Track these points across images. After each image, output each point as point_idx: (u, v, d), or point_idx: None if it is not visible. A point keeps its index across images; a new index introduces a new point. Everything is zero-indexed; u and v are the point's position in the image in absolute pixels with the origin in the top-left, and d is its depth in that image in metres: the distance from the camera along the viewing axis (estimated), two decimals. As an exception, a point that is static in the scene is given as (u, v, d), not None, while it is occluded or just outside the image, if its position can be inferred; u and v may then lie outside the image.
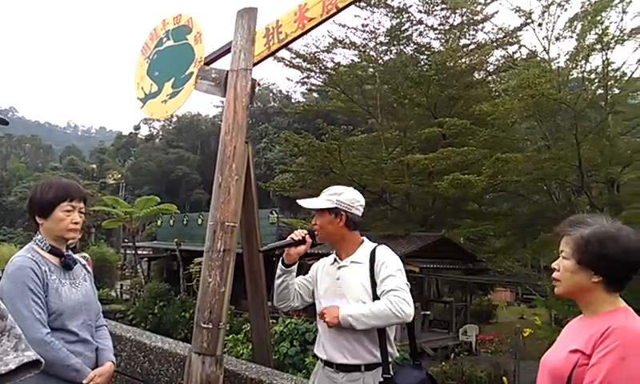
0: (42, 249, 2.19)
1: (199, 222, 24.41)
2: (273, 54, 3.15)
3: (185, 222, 26.11)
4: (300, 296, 2.62)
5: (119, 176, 62.36)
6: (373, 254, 2.44)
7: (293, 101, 43.18)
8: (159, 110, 3.57)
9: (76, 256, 2.34)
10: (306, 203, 2.57)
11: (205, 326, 3.25)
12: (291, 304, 2.62)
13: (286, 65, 21.14)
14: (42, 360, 1.11)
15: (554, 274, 1.69)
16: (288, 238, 2.50)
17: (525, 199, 18.99)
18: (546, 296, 12.42)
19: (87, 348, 2.22)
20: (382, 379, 2.30)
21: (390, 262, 2.39)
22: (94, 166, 75.01)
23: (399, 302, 2.22)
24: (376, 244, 2.53)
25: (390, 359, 2.38)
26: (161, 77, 3.54)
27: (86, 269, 2.38)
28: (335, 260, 2.55)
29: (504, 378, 12.13)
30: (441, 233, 18.88)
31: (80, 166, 73.36)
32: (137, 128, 76.96)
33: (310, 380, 2.60)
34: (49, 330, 2.06)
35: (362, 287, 2.38)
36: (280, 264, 2.55)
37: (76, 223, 2.23)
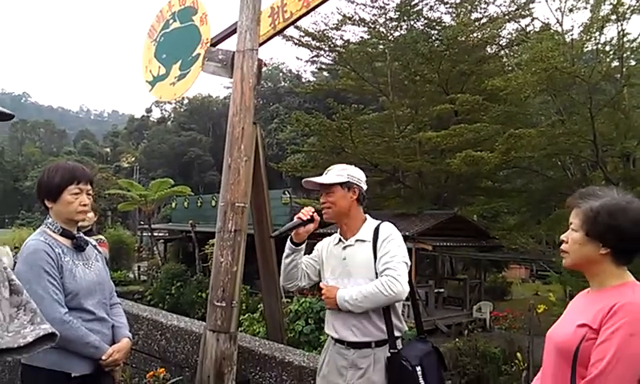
0: (54, 231, 2.24)
1: (212, 203, 24.55)
2: (278, 33, 3.15)
3: (199, 204, 26.30)
4: (307, 275, 2.62)
5: (133, 159, 62.81)
6: (376, 231, 2.46)
7: (303, 80, 42.96)
8: (168, 93, 3.60)
9: (89, 238, 2.40)
10: (319, 179, 2.55)
11: (218, 304, 3.31)
12: (298, 283, 2.62)
13: (295, 43, 20.98)
14: (57, 333, 1.15)
15: (563, 246, 1.69)
16: (295, 218, 2.50)
17: (539, 175, 18.80)
18: (560, 272, 12.37)
19: (104, 325, 2.29)
20: (389, 354, 2.34)
21: (391, 238, 2.42)
22: (108, 149, 75.63)
23: (389, 282, 2.26)
24: (379, 221, 2.55)
25: (399, 333, 2.41)
26: (168, 59, 3.56)
27: (97, 249, 2.43)
28: (340, 240, 2.55)
29: (518, 354, 12.13)
30: (454, 210, 18.82)
31: (94, 150, 74.07)
32: (149, 111, 77.23)
33: (322, 356, 2.63)
34: (67, 310, 2.13)
35: (367, 265, 2.40)
36: (289, 243, 2.55)
37: (84, 205, 2.27)
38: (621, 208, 1.56)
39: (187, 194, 29.34)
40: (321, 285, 2.52)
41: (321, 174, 2.59)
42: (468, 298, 19.55)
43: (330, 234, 2.68)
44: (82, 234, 2.34)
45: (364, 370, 2.35)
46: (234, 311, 3.39)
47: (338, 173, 2.54)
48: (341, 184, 2.50)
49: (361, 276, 2.40)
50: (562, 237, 1.70)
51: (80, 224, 2.40)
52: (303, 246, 2.56)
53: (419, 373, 2.28)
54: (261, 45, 3.18)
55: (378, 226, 2.50)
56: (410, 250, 18.40)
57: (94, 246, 2.42)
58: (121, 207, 31.76)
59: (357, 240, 2.49)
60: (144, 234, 36.84)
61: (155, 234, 30.64)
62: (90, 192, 2.32)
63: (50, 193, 2.23)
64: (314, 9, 3.01)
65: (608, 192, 1.64)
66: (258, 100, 3.15)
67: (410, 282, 2.39)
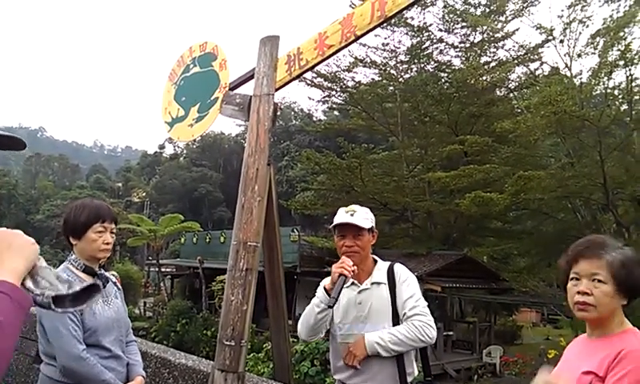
0: (77, 268, 2.30)
1: (222, 239, 24.59)
2: (294, 79, 3.26)
3: (207, 240, 26.35)
4: (325, 326, 2.46)
5: (144, 194, 63.36)
6: (391, 272, 2.44)
7: (314, 119, 43.41)
8: (185, 134, 3.71)
9: (107, 274, 2.46)
10: (355, 221, 2.41)
11: (227, 343, 3.31)
12: (320, 335, 2.48)
13: (308, 84, 21.44)
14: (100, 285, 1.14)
15: (586, 299, 1.61)
16: (336, 274, 2.27)
17: (549, 217, 18.73)
18: (571, 317, 12.16)
19: (119, 363, 2.33)
20: None
21: (410, 281, 2.41)
22: (120, 184, 76.41)
23: (424, 327, 2.26)
24: (389, 262, 2.52)
25: (410, 379, 2.37)
26: (187, 102, 3.69)
27: (116, 286, 2.49)
28: (353, 283, 2.44)
29: (528, 401, 11.84)
30: (463, 251, 18.70)
31: (106, 185, 74.82)
32: (162, 147, 78.38)
33: None
34: (84, 347, 2.17)
35: (385, 309, 2.36)
36: (323, 296, 2.33)
37: (107, 243, 2.35)
38: (637, 261, 1.60)
39: (196, 229, 29.44)
40: (349, 349, 2.37)
41: (332, 213, 2.61)
42: (477, 341, 19.19)
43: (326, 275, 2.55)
44: (102, 271, 2.40)
45: None
46: (243, 350, 3.38)
47: (365, 216, 2.48)
48: (369, 229, 2.46)
49: (379, 320, 2.35)
50: (584, 289, 1.62)
51: None
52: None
53: None
54: (277, 90, 3.30)
55: (391, 266, 2.48)
56: (418, 291, 18.21)
57: (114, 283, 2.48)
58: (130, 242, 31.88)
59: (372, 283, 2.43)
60: (151, 269, 36.83)
61: (162, 270, 30.62)
62: (114, 230, 2.40)
63: (76, 230, 2.31)
64: (329, 57, 3.13)
65: (614, 242, 1.67)
66: (270, 139, 3.25)
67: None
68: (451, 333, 19.53)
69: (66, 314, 2.13)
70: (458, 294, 20.21)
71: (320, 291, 2.37)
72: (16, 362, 4.87)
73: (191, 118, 3.63)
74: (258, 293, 3.46)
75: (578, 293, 1.62)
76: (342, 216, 2.46)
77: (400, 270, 2.47)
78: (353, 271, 2.29)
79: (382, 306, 2.36)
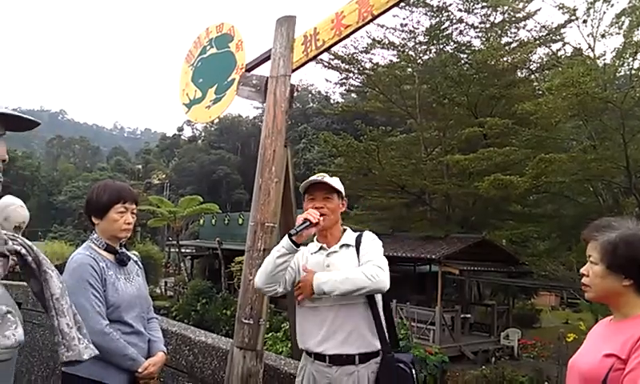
0: (99, 247, 2.36)
1: (240, 221, 24.83)
2: (311, 60, 3.25)
3: (226, 222, 26.62)
4: (286, 281, 2.35)
5: (163, 176, 64.03)
6: (359, 237, 2.42)
7: (331, 101, 43.31)
8: (203, 115, 3.74)
9: (129, 252, 2.52)
10: (327, 179, 2.41)
11: (246, 321, 3.37)
12: (277, 289, 2.34)
13: (325, 66, 21.30)
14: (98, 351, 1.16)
15: (584, 280, 1.69)
16: (301, 219, 2.29)
17: (570, 201, 18.48)
18: (590, 300, 12.06)
19: (141, 339, 2.39)
20: (375, 369, 2.26)
21: (374, 243, 2.37)
22: (140, 166, 77.31)
23: (374, 269, 2.19)
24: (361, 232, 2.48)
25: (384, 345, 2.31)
26: (204, 83, 3.71)
27: (138, 264, 2.55)
28: (322, 247, 2.43)
29: (546, 383, 11.84)
30: (482, 235, 18.59)
31: (126, 167, 75.88)
32: (180, 129, 79.00)
33: (297, 378, 2.46)
34: (108, 322, 2.23)
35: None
36: (288, 241, 2.26)
37: (129, 223, 2.40)
38: (638, 238, 1.58)
39: (215, 211, 29.73)
40: (299, 283, 2.35)
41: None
42: (495, 324, 19.18)
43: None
44: (124, 250, 2.45)
45: None
46: (261, 329, 3.44)
47: (336, 181, 2.44)
48: (338, 193, 2.44)
49: None
50: (582, 270, 1.70)
51: None
52: (301, 248, 2.34)
53: (414, 376, 2.23)
54: (293, 71, 3.30)
55: (361, 234, 2.45)
56: (435, 274, 18.07)
57: (136, 261, 2.54)
58: (150, 223, 32.38)
59: (341, 245, 2.41)
60: (171, 250, 37.37)
61: (182, 251, 31.07)
62: (135, 211, 2.45)
63: (98, 210, 2.36)
64: (345, 37, 3.11)
65: (623, 223, 1.65)
66: (287, 120, 3.25)
67: (384, 298, 2.34)
68: (469, 315, 19.53)
69: (89, 290, 2.20)
70: (475, 277, 20.15)
71: (284, 239, 2.29)
72: (42, 338, 5.04)
73: (209, 99, 3.65)
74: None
75: (582, 275, 1.70)
76: (311, 178, 2.45)
77: (368, 234, 2.44)
78: (318, 221, 2.26)
79: (349, 267, 2.30)
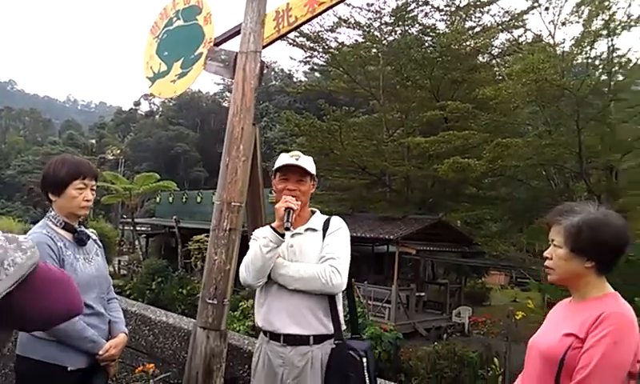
0: (56, 225, 2.23)
1: (198, 199, 24.48)
2: (282, 36, 3.18)
3: (184, 200, 26.17)
4: (270, 267, 2.31)
5: (118, 152, 62.16)
6: (327, 222, 2.40)
7: (294, 80, 42.94)
8: (168, 90, 3.61)
9: (88, 231, 2.40)
10: (301, 162, 2.37)
11: (210, 301, 3.33)
12: (265, 280, 2.32)
13: (289, 43, 21.01)
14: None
15: (547, 263, 1.74)
16: (282, 210, 2.22)
17: (523, 184, 19.08)
18: (539, 280, 12.53)
19: (101, 320, 2.29)
20: (329, 350, 2.27)
21: (340, 231, 2.37)
22: (94, 141, 74.76)
23: (332, 272, 2.21)
24: (329, 216, 2.47)
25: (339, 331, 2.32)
26: (170, 56, 3.57)
27: (97, 243, 2.44)
28: (287, 228, 2.32)
29: (495, 360, 12.29)
30: (439, 216, 19.00)
31: (79, 141, 73.15)
32: (137, 104, 76.60)
33: (254, 358, 2.46)
34: None
35: (316, 255, 2.31)
36: (275, 234, 2.24)
37: (88, 200, 2.28)
38: (601, 222, 1.63)
39: (173, 189, 29.15)
40: None
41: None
42: (448, 302, 19.76)
43: None
44: (83, 228, 2.34)
45: (300, 370, 2.24)
46: (226, 309, 3.41)
47: (310, 162, 2.41)
48: (311, 175, 2.42)
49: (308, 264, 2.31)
50: (546, 253, 1.75)
51: None
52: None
53: (365, 363, 2.24)
54: (264, 47, 3.21)
55: (330, 218, 2.44)
56: (393, 254, 18.36)
57: (95, 240, 2.42)
58: (104, 200, 31.39)
59: (307, 229, 2.39)
60: (126, 227, 36.52)
61: (137, 229, 30.40)
62: (94, 187, 2.33)
63: (55, 186, 2.23)
64: (319, 14, 3.05)
65: (585, 207, 1.70)
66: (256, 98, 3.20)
67: (349, 281, 2.34)
68: (423, 294, 20.05)
69: None
70: (431, 257, 20.65)
71: (267, 231, 2.27)
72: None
73: (174, 73, 3.52)
74: (240, 253, 3.46)
75: (545, 258, 1.74)
76: (286, 159, 2.40)
77: (335, 220, 2.43)
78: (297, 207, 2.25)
79: (312, 252, 2.32)
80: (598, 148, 15.22)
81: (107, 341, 2.29)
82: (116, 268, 27.33)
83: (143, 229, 31.33)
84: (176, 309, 17.83)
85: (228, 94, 62.96)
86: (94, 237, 2.44)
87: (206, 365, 3.30)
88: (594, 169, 16.57)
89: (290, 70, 48.01)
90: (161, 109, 70.65)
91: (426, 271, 23.66)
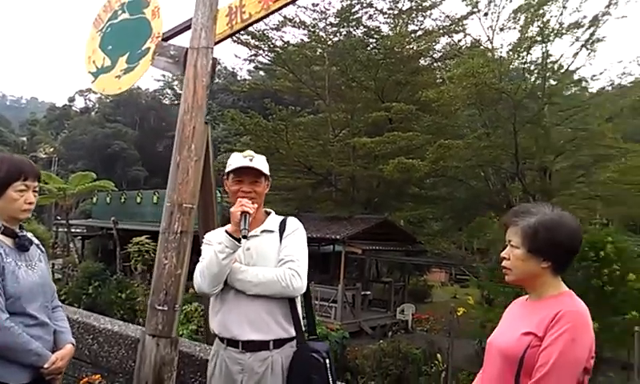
0: (-5, 230, 2.06)
1: (138, 200, 23.72)
2: (235, 33, 3.10)
3: (123, 200, 25.25)
4: (227, 272, 2.25)
5: (51, 150, 59.09)
6: (283, 223, 2.36)
7: (239, 78, 42.43)
8: (112, 85, 3.44)
9: (29, 235, 2.23)
10: (255, 164, 2.30)
11: (160, 308, 3.22)
12: (221, 286, 2.24)
13: (234, 41, 20.66)
14: None
15: (504, 263, 1.76)
16: (238, 214, 2.15)
17: (463, 184, 19.73)
18: (478, 277, 12.97)
19: (46, 331, 2.14)
20: (290, 354, 2.24)
21: (297, 232, 2.34)
22: (25, 138, 70.60)
23: (292, 275, 2.18)
24: (285, 217, 2.43)
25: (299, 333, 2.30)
26: (114, 51, 3.40)
27: (40, 249, 2.27)
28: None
29: (438, 355, 12.61)
30: (384, 215, 19.32)
31: (8, 139, 68.77)
32: (71, 100, 73.14)
33: (209, 365, 2.37)
34: (8, 315, 1.96)
35: (272, 257, 2.27)
36: (231, 239, 2.16)
37: (30, 203, 2.12)
38: (557, 223, 1.68)
39: (110, 189, 28.08)
40: None
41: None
42: (392, 300, 20.11)
43: None
44: (25, 233, 2.17)
45: (260, 376, 2.19)
46: (176, 315, 3.31)
47: (264, 163, 2.36)
48: (266, 176, 2.36)
49: (264, 266, 2.26)
50: (503, 254, 1.77)
51: None
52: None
53: (328, 365, 2.22)
54: (216, 43, 3.12)
55: (285, 218, 2.40)
56: (339, 253, 18.51)
57: (37, 245, 2.25)
58: (37, 200, 29.75)
59: (263, 231, 2.34)
60: (60, 229, 34.88)
61: (72, 230, 29.07)
62: (37, 189, 2.17)
63: None
64: (273, 12, 3.00)
65: (541, 208, 1.74)
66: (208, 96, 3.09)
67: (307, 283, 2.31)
68: (369, 292, 20.32)
69: None
70: (376, 256, 21.00)
71: (222, 237, 2.18)
72: None
73: (119, 68, 3.36)
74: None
75: (502, 258, 1.77)
76: (240, 160, 2.32)
77: (292, 221, 2.39)
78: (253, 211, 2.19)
79: (270, 254, 2.27)
80: (532, 150, 15.93)
81: (52, 352, 2.13)
82: (50, 272, 26.02)
83: (79, 231, 30.00)
84: (114, 314, 17.16)
85: (169, 91, 61.43)
86: (36, 242, 2.27)
87: (155, 374, 3.19)
88: (529, 170, 17.35)
89: (233, 68, 47.36)
90: (97, 105, 67.79)
91: (371, 270, 24.01)
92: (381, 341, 14.28)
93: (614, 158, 15.81)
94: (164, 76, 56.46)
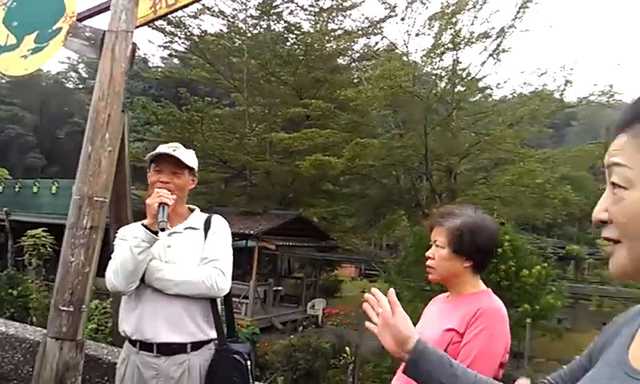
0: None
1: (34, 189, 21.97)
2: (159, 18, 2.94)
3: (17, 189, 23.24)
4: (143, 269, 2.12)
5: None
6: (208, 221, 2.28)
7: (150, 65, 40.60)
8: (17, 66, 3.12)
9: None
10: (179, 154, 2.19)
11: (64, 308, 3.01)
12: (137, 283, 2.11)
13: (148, 26, 19.70)
14: None
15: (429, 263, 1.83)
16: (156, 200, 2.03)
17: (375, 182, 20.29)
18: (386, 272, 13.40)
19: None
20: (207, 357, 2.17)
21: (222, 231, 2.26)
22: None
23: (218, 275, 2.11)
24: (210, 214, 2.35)
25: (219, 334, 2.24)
26: (20, 28, 3.08)
27: None
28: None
29: (347, 349, 12.91)
30: (298, 211, 19.40)
31: None
32: (-42, 76, 66.11)
33: (118, 370, 2.24)
34: None
35: (195, 256, 2.17)
36: (147, 233, 2.04)
37: None
38: (480, 226, 1.77)
39: (3, 177, 25.74)
40: None
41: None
42: (304, 295, 20.23)
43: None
44: None
45: (176, 380, 2.10)
46: (83, 316, 3.09)
47: (189, 155, 2.25)
48: (190, 168, 2.26)
49: (186, 265, 2.17)
50: (428, 254, 1.85)
51: None
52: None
53: (249, 366, 2.19)
54: (137, 27, 2.94)
55: (210, 216, 2.32)
56: (251, 249, 18.38)
57: None
58: None
59: (186, 228, 2.24)
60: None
61: (-43, 221, 26.31)
62: None
63: None
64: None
65: (464, 210, 1.83)
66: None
67: None
68: (281, 288, 20.35)
69: None
70: (290, 252, 21.07)
71: (139, 230, 2.05)
72: None
73: (25, 48, 3.06)
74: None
75: (427, 258, 1.85)
76: (161, 148, 2.23)
77: (217, 219, 2.31)
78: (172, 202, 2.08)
79: (193, 252, 2.17)
80: (441, 152, 16.65)
81: None
82: None
83: (-37, 222, 27.19)
84: (3, 312, 15.80)
85: (73, 74, 57.38)
86: None
87: (58, 379, 2.98)
88: (436, 170, 18.19)
89: (145, 54, 45.15)
90: (-10, 85, 61.83)
91: (283, 266, 24.06)
92: (291, 336, 14.35)
93: (512, 162, 16.91)
94: (69, 58, 52.73)
